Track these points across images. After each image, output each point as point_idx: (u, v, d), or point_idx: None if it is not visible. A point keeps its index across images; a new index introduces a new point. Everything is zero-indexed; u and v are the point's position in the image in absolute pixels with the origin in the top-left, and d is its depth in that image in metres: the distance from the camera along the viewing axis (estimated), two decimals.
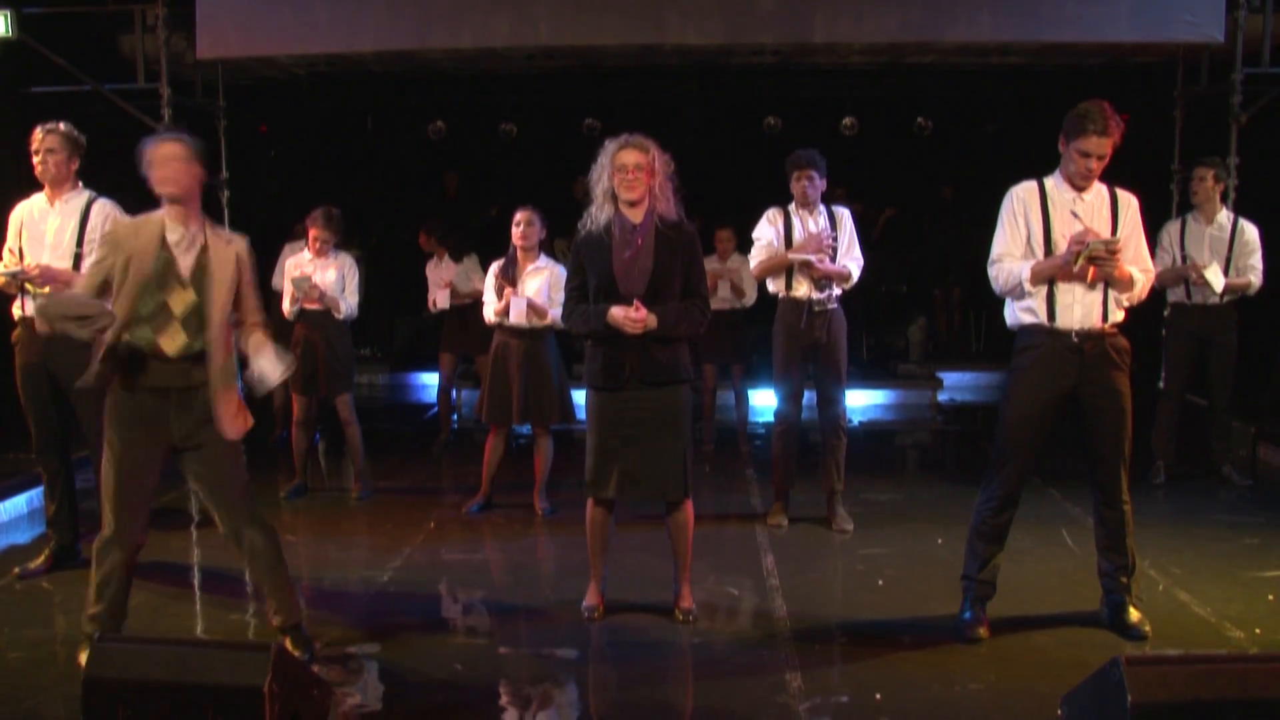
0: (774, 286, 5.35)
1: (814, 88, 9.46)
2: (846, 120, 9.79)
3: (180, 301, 3.55)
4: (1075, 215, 3.84)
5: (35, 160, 4.55)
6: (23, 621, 4.21)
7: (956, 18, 6.67)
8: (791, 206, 5.32)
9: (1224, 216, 5.92)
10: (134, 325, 3.53)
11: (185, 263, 3.55)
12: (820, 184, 5.26)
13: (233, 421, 3.63)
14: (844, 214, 5.37)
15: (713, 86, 9.53)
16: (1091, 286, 3.82)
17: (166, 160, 3.53)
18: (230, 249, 3.64)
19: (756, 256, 5.33)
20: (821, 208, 5.31)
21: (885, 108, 9.88)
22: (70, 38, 6.81)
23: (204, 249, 3.58)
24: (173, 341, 3.54)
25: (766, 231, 5.31)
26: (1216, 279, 5.73)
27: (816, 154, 5.27)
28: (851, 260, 5.27)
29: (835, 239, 5.24)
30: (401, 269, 10.36)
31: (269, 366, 3.56)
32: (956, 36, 6.78)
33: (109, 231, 3.70)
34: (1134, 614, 4.00)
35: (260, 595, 3.85)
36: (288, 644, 3.75)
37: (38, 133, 4.55)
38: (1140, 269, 3.89)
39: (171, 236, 3.55)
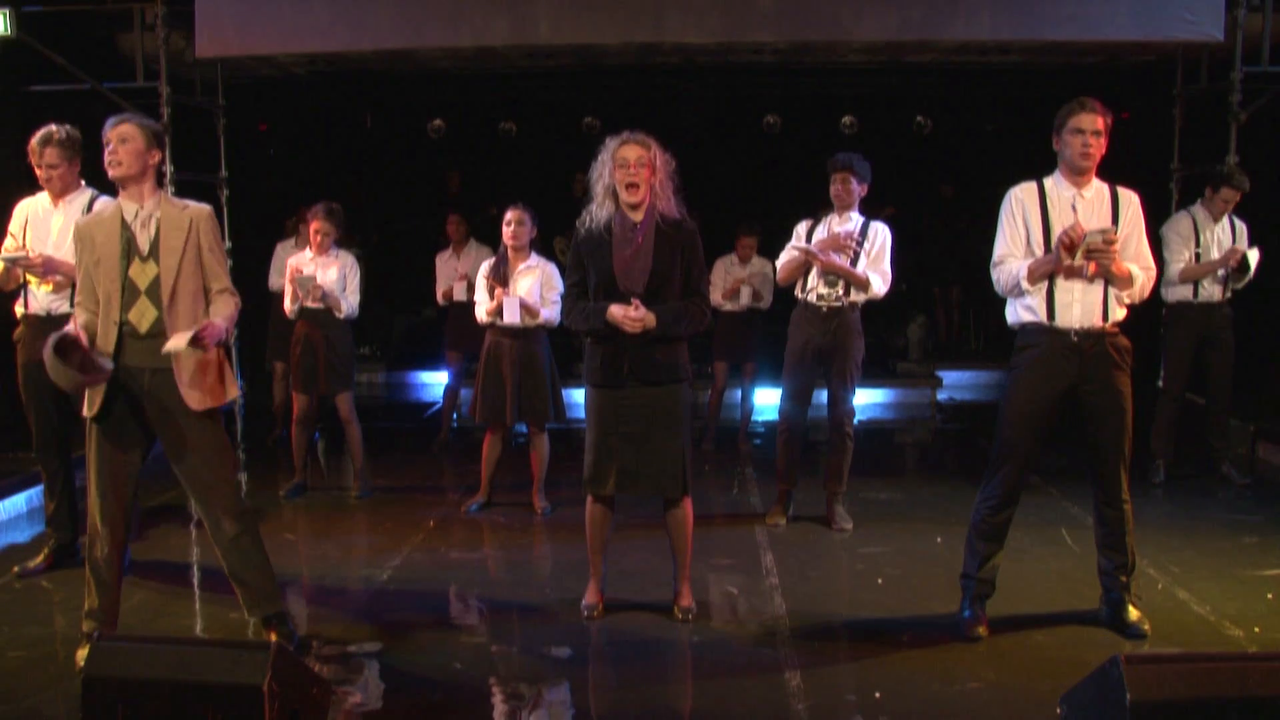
0: (795, 290, 5.35)
1: (814, 86, 9.45)
2: (846, 119, 9.79)
3: (143, 275, 3.61)
4: (1073, 208, 3.84)
5: (39, 173, 4.54)
6: (22, 620, 4.21)
7: (956, 16, 6.67)
8: (828, 218, 5.31)
9: (1225, 216, 6.00)
10: (114, 307, 3.59)
11: (143, 237, 3.63)
12: (858, 189, 5.23)
13: (208, 390, 3.63)
14: (879, 228, 5.25)
15: (712, 85, 9.52)
16: (1091, 281, 3.82)
17: (115, 141, 3.62)
18: (184, 216, 3.67)
19: (780, 260, 5.35)
20: (857, 215, 5.28)
21: (885, 106, 9.88)
22: (69, 36, 6.80)
23: (159, 221, 3.64)
24: (143, 317, 3.60)
25: (791, 240, 5.33)
26: (1253, 258, 5.86)
27: (858, 158, 5.23)
28: (876, 272, 5.20)
29: (860, 244, 5.21)
30: (401, 267, 10.38)
31: (176, 341, 3.53)
32: (956, 35, 6.77)
33: (76, 230, 3.73)
34: (1133, 612, 4.00)
35: (244, 585, 3.86)
36: (271, 636, 3.79)
37: (35, 145, 4.48)
38: (1141, 266, 3.89)
39: (128, 215, 3.64)
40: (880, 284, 5.23)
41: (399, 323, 10.69)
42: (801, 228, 5.34)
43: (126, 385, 3.63)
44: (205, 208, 3.76)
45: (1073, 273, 3.80)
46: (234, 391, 3.81)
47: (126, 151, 3.61)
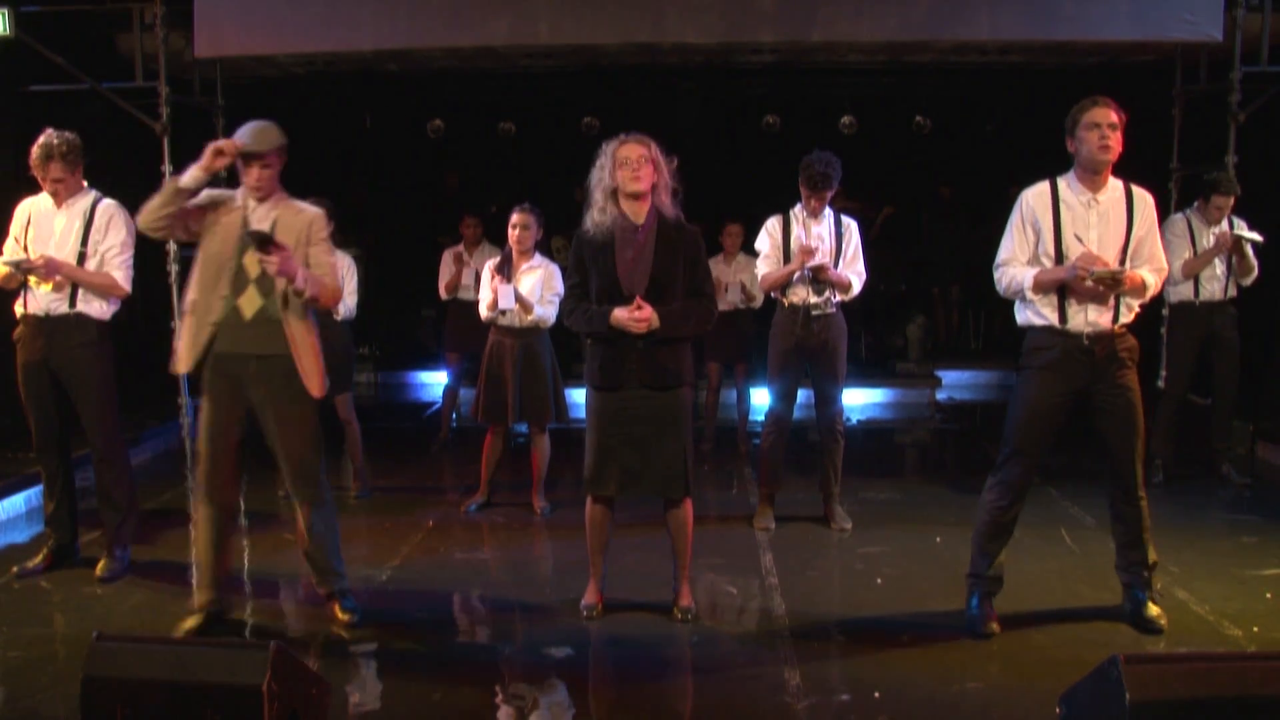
0: (772, 292, 5.34)
1: (813, 86, 9.45)
2: (845, 119, 9.78)
3: (255, 265, 3.84)
4: (1079, 238, 3.84)
5: (44, 185, 4.55)
6: (21, 620, 4.21)
7: (955, 17, 6.67)
8: (795, 210, 5.30)
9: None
10: (224, 283, 3.86)
11: (261, 228, 3.85)
12: (831, 194, 5.24)
13: (320, 374, 3.95)
14: (851, 224, 5.32)
15: (712, 85, 9.51)
16: (1102, 301, 3.85)
17: (258, 169, 3.90)
18: (300, 220, 3.95)
19: (759, 270, 5.34)
20: (829, 213, 5.30)
21: (884, 106, 9.87)
22: (68, 36, 6.79)
23: (276, 219, 3.90)
24: (250, 303, 3.87)
25: (764, 243, 5.31)
26: (1252, 233, 5.84)
27: (837, 168, 5.15)
28: (854, 273, 5.24)
29: (838, 244, 5.22)
30: (400, 267, 10.37)
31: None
32: (955, 35, 6.77)
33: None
34: (1152, 609, 4.05)
35: (312, 562, 4.20)
36: (336, 610, 4.17)
37: (37, 160, 4.48)
38: (1154, 268, 3.92)
39: (249, 207, 3.90)
40: (858, 284, 5.28)
41: (398, 322, 10.68)
42: (778, 230, 5.28)
43: (230, 371, 3.90)
44: (319, 211, 4.02)
45: (1085, 291, 3.83)
46: (331, 381, 4.14)
47: (267, 177, 3.90)
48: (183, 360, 3.96)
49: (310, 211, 3.99)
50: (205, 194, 3.93)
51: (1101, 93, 3.90)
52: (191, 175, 3.80)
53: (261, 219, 3.90)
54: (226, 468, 4.00)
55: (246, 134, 3.88)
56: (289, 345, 3.88)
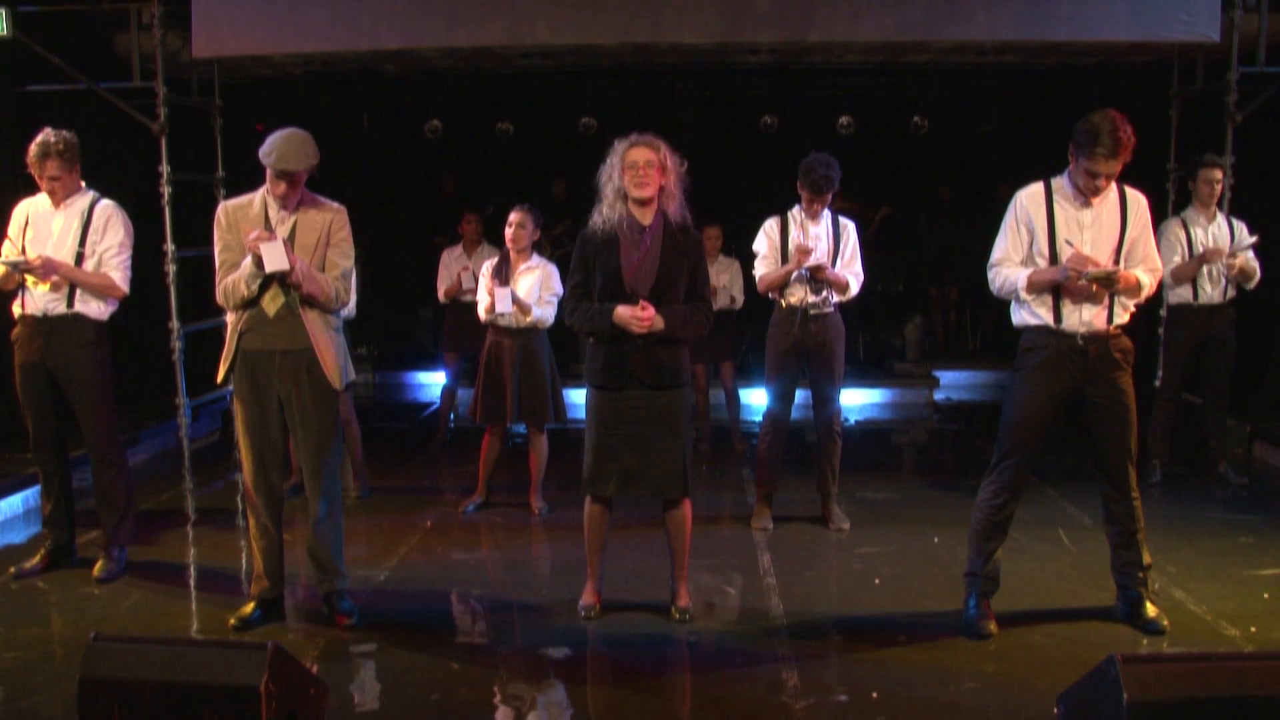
0: (770, 293, 5.35)
1: (810, 87, 9.44)
2: (843, 119, 9.78)
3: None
4: (1069, 243, 3.85)
5: (41, 184, 4.58)
6: (18, 621, 4.21)
7: (953, 17, 6.66)
8: (793, 212, 5.31)
9: (1219, 216, 6.00)
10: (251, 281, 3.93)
11: (281, 232, 3.95)
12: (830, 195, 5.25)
13: (341, 368, 4.08)
14: (848, 225, 5.33)
15: (709, 85, 9.51)
16: (1097, 301, 3.86)
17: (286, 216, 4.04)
18: (323, 217, 4.03)
19: (758, 271, 5.34)
20: (826, 214, 5.30)
21: (882, 107, 9.87)
22: (65, 36, 6.77)
23: (296, 220, 4.00)
24: (273, 301, 3.96)
25: (761, 244, 5.32)
26: (1250, 238, 5.85)
27: (837, 170, 5.16)
28: (851, 274, 5.25)
29: (837, 241, 5.24)
30: (397, 268, 10.37)
31: (273, 254, 3.81)
32: (953, 36, 6.77)
33: (218, 218, 4.04)
34: (1151, 609, 4.05)
35: (314, 560, 4.25)
36: (334, 610, 4.20)
37: (34, 158, 4.52)
38: (1148, 269, 3.93)
39: (271, 210, 3.99)
40: (856, 284, 5.28)
41: (395, 323, 10.67)
42: (775, 232, 5.29)
43: (258, 366, 4.00)
44: (340, 208, 4.09)
45: (1079, 291, 3.83)
46: (352, 373, 4.26)
47: (295, 193, 3.97)
48: (220, 368, 4.09)
49: (329, 211, 4.07)
50: (229, 206, 4.05)
51: (1099, 92, 3.91)
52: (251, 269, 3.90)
53: (282, 221, 3.98)
54: (271, 460, 4.11)
55: (282, 150, 3.85)
56: (310, 340, 3.99)
